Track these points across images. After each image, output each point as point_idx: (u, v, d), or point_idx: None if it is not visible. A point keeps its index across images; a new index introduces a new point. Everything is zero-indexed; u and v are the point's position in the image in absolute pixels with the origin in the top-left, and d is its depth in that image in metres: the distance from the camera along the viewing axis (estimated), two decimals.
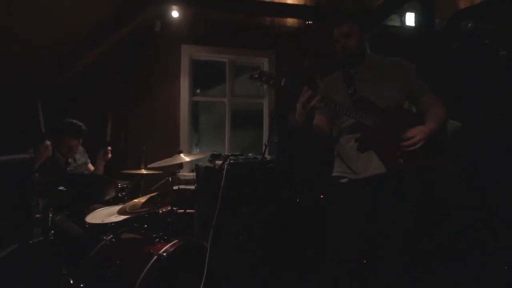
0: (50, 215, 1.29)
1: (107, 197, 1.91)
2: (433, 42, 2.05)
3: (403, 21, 3.14)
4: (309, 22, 3.20)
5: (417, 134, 1.27)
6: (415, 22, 2.61)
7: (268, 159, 2.53)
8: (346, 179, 1.39)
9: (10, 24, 1.98)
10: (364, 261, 2.06)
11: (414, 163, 1.31)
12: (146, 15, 2.88)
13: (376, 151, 1.32)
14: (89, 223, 1.77)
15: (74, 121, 2.09)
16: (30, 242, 1.20)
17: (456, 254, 1.85)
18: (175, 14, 2.96)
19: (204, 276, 1.49)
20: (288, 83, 1.26)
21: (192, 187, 2.58)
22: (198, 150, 3.47)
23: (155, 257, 1.41)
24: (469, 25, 1.05)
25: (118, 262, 1.43)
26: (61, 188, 1.33)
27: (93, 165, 2.42)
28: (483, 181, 1.89)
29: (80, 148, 2.32)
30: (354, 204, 1.35)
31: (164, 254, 1.43)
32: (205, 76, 3.39)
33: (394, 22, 3.16)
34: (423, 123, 1.32)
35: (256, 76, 1.31)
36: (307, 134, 1.42)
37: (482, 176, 1.90)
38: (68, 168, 2.16)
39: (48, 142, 1.73)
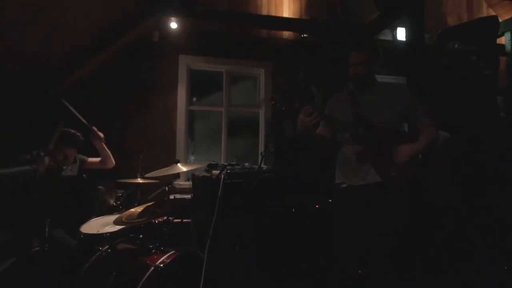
0: (47, 227, 1.28)
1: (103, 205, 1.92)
2: (423, 57, 2.14)
3: (394, 36, 3.25)
4: (305, 35, 3.29)
5: (406, 151, 1.53)
6: (406, 36, 2.72)
7: (264, 168, 2.56)
8: (346, 185, 1.63)
9: (7, 35, 1.99)
10: (360, 272, 2.08)
11: (405, 175, 1.55)
12: (145, 26, 2.93)
13: (373, 164, 1.55)
14: (84, 233, 1.75)
15: (71, 130, 2.08)
16: (30, 253, 1.19)
17: (454, 255, 1.88)
18: (173, 25, 3.01)
19: (201, 286, 1.48)
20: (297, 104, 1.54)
21: (189, 196, 2.57)
22: (194, 158, 3.48)
23: (152, 268, 1.40)
24: (456, 45, 1.11)
25: (114, 273, 1.42)
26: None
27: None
28: (472, 187, 1.95)
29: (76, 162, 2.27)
30: (352, 205, 1.58)
31: (161, 265, 1.43)
32: (202, 86, 3.43)
33: (386, 36, 3.28)
34: (415, 141, 1.56)
35: (278, 101, 1.65)
36: (307, 140, 1.66)
37: (470, 183, 1.95)
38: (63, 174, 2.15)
39: (44, 155, 1.71)
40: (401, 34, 3.22)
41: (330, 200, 2.28)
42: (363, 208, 1.55)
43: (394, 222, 1.52)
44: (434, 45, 1.83)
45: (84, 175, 2.36)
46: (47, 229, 1.26)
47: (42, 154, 1.66)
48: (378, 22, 2.96)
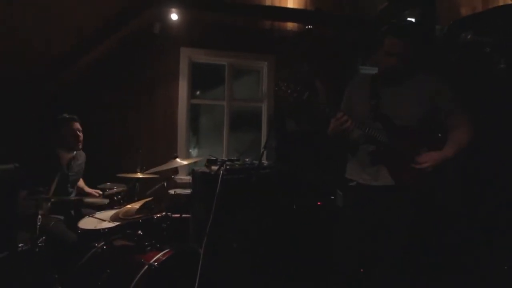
0: (39, 222, 1.27)
1: None
2: (433, 50, 2.03)
3: None
4: (309, 26, 3.18)
5: (428, 160, 1.31)
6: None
7: (265, 164, 2.51)
8: (355, 183, 1.46)
9: (11, 22, 1.96)
10: (362, 270, 2.03)
11: (421, 181, 1.36)
12: (145, 18, 2.86)
13: (386, 165, 1.37)
14: (81, 229, 1.75)
15: (65, 114, 2.17)
16: (19, 249, 1.18)
17: (455, 254, 1.85)
18: (174, 16, 2.94)
19: (197, 284, 1.47)
20: (314, 101, 1.33)
21: (188, 191, 2.55)
22: (196, 151, 3.45)
23: (146, 266, 1.38)
24: (469, 36, 1.02)
25: (108, 271, 1.41)
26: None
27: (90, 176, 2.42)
28: (482, 187, 1.88)
29: (82, 154, 2.31)
30: (359, 207, 1.43)
31: (155, 263, 1.41)
32: (204, 79, 3.37)
33: None
34: (442, 145, 1.33)
35: (283, 88, 1.35)
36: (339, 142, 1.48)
37: (480, 183, 1.89)
38: (70, 174, 2.16)
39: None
40: None
41: (319, 203, 2.23)
42: (370, 210, 1.41)
43: (403, 227, 1.38)
44: (445, 37, 1.71)
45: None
46: (39, 224, 1.26)
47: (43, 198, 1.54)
48: (386, 12, 2.82)
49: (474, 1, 3.44)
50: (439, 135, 1.41)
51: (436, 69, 1.60)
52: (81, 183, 2.39)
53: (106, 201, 2.11)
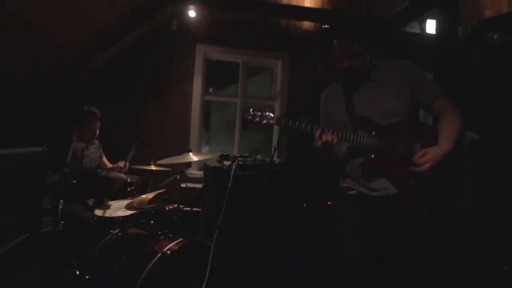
0: (61, 206, 1.33)
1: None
2: (455, 51, 1.98)
3: (423, 28, 3.04)
4: (326, 26, 3.16)
5: (426, 161, 1.16)
6: (437, 29, 2.52)
7: (276, 162, 2.51)
8: (355, 191, 1.30)
9: (33, 18, 2.04)
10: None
11: (426, 183, 1.22)
12: (164, 14, 2.92)
13: (384, 174, 1.23)
14: (97, 216, 1.81)
15: (92, 108, 2.28)
16: (40, 232, 1.23)
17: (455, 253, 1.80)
18: (192, 13, 2.99)
19: (207, 275, 1.49)
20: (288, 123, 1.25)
21: (200, 185, 2.59)
22: (208, 148, 3.49)
23: (159, 254, 1.42)
24: (495, 36, 1.00)
25: (123, 257, 1.45)
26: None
27: (108, 160, 2.54)
28: (501, 195, 1.82)
29: (96, 141, 2.41)
30: (363, 219, 1.26)
31: (168, 252, 1.44)
32: (218, 76, 3.41)
33: (414, 29, 3.08)
34: (435, 135, 1.20)
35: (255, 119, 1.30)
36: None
37: (499, 190, 1.82)
38: (83, 161, 2.25)
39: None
40: (430, 26, 3.01)
41: (330, 203, 2.16)
42: (375, 222, 1.25)
43: (414, 242, 1.23)
44: (468, 38, 1.66)
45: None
46: (60, 208, 1.31)
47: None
48: (406, 12, 2.76)
49: (499, 2, 3.31)
50: (428, 125, 1.29)
51: (458, 70, 1.55)
52: (105, 162, 2.52)
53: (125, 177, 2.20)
